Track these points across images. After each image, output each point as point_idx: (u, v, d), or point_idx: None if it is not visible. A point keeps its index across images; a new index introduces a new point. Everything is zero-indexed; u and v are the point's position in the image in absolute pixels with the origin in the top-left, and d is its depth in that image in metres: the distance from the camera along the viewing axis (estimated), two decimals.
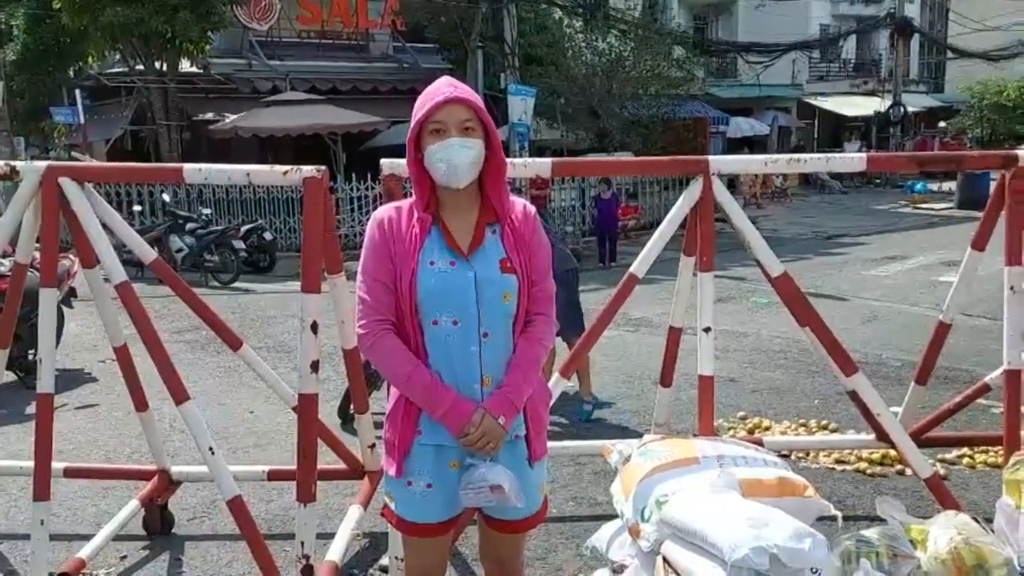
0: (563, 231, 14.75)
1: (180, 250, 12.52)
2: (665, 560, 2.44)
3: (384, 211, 2.24)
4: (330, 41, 20.81)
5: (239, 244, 12.84)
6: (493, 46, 19.74)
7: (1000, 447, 3.93)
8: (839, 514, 2.63)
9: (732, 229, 3.36)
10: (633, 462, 2.79)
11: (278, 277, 12.94)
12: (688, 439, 2.95)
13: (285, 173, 2.98)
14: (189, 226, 13.01)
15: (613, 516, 2.91)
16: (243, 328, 8.43)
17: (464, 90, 2.16)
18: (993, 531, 2.73)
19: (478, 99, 2.17)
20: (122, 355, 3.58)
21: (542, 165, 3.33)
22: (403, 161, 2.41)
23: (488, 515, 2.28)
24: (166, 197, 14.88)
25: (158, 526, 3.92)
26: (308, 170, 2.95)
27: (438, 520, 2.22)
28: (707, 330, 3.24)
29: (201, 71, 18.08)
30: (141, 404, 3.74)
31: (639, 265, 3.31)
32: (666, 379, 3.59)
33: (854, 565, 2.56)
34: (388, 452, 2.23)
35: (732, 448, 2.81)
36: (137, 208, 14.57)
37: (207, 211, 14.35)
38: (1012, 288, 3.28)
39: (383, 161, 3.14)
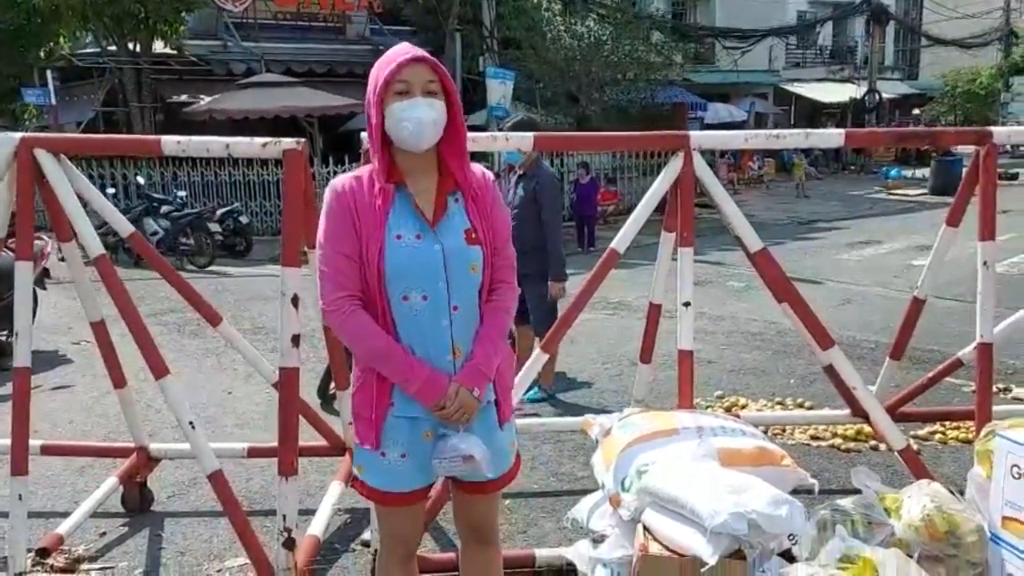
0: None
1: (155, 233, 12.39)
2: (645, 528, 2.47)
3: (343, 181, 2.17)
4: (306, 23, 20.61)
5: (215, 227, 12.76)
6: (471, 29, 19.64)
7: (971, 422, 4.00)
8: (815, 483, 2.67)
9: (710, 214, 3.38)
10: (614, 434, 2.82)
11: (254, 261, 12.87)
12: (668, 411, 2.98)
13: (264, 145, 2.95)
14: (164, 209, 12.88)
15: (594, 490, 2.94)
16: (220, 311, 8.37)
17: (424, 52, 2.14)
18: (965, 500, 2.79)
19: (438, 62, 2.15)
20: (99, 331, 3.54)
21: (523, 139, 3.34)
22: None
23: (460, 479, 2.29)
24: (140, 180, 14.72)
25: (137, 503, 3.90)
26: (288, 142, 2.93)
27: (412, 488, 2.23)
28: (687, 304, 3.27)
29: (175, 52, 17.82)
30: (119, 381, 3.70)
31: (620, 240, 3.32)
32: (646, 355, 3.61)
33: (830, 532, 2.60)
34: (361, 425, 2.21)
35: (711, 419, 2.84)
36: (111, 191, 14.40)
37: (182, 194, 14.20)
38: (985, 263, 3.33)
39: (364, 135, 3.12)
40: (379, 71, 2.13)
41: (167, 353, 3.22)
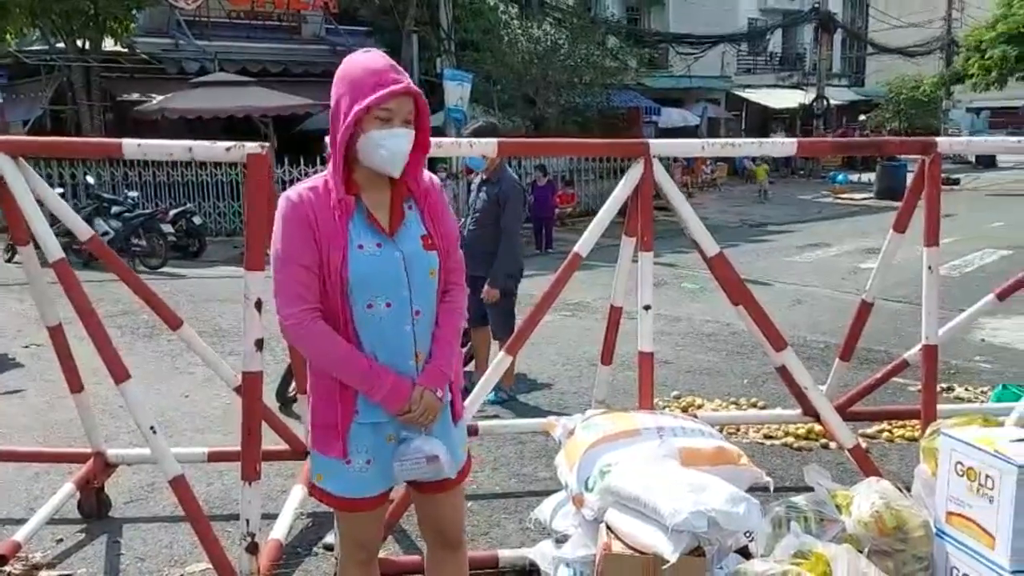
0: None
1: (105, 234, 12.10)
2: (608, 527, 2.54)
3: (299, 191, 2.16)
4: (261, 22, 20.35)
5: (167, 228, 12.56)
6: (428, 31, 19.60)
7: (917, 421, 4.15)
8: (770, 481, 2.76)
9: (665, 216, 3.46)
10: (577, 435, 2.88)
11: (208, 262, 12.69)
12: (630, 412, 3.04)
13: (229, 149, 2.95)
14: (115, 210, 12.62)
15: (556, 491, 2.99)
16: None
17: (409, 80, 2.15)
18: (912, 496, 2.91)
19: (421, 93, 2.17)
20: (56, 336, 3.49)
21: (487, 145, 3.39)
22: None
23: (420, 482, 2.29)
24: (90, 179, 14.40)
25: (95, 509, 3.84)
26: (252, 146, 2.94)
27: (376, 493, 2.25)
28: (647, 308, 3.34)
29: (126, 50, 17.45)
30: (75, 385, 3.65)
31: (583, 244, 3.39)
32: (606, 357, 3.68)
33: (784, 529, 2.70)
34: (324, 434, 2.21)
35: (671, 420, 2.92)
36: (59, 190, 14.04)
37: (134, 194, 13.93)
38: (930, 267, 3.46)
39: (328, 140, 3.13)
40: (357, 90, 2.09)
41: (122, 357, 3.18)
